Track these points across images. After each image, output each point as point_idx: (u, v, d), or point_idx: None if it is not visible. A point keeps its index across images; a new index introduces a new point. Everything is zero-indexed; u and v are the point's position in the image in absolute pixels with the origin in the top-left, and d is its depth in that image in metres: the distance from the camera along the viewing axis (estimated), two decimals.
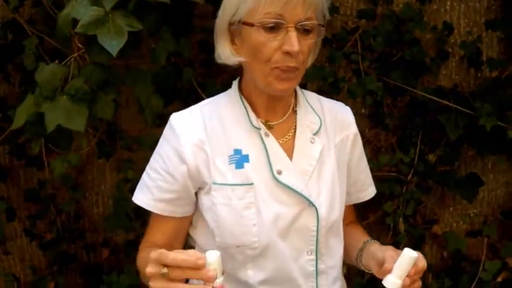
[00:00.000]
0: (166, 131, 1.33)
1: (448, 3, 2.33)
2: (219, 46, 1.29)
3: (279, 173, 1.29)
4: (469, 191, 2.35)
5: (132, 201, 1.37)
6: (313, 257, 1.34)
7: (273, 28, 1.18)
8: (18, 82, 2.21)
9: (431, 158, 2.34)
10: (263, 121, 1.33)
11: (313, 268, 1.34)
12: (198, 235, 1.39)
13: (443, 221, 2.49)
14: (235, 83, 1.37)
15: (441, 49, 2.32)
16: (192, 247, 1.42)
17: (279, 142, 1.32)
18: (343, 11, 2.34)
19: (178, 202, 1.32)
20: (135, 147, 2.23)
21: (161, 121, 1.81)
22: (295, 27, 1.18)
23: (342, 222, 1.41)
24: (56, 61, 1.64)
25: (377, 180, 2.35)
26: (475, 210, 2.49)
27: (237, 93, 1.34)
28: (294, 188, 1.29)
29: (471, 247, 2.49)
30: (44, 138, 2.10)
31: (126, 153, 2.31)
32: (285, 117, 1.35)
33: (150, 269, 1.04)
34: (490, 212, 2.49)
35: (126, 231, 2.25)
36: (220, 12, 1.28)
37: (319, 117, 1.39)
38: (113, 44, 1.40)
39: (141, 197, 1.35)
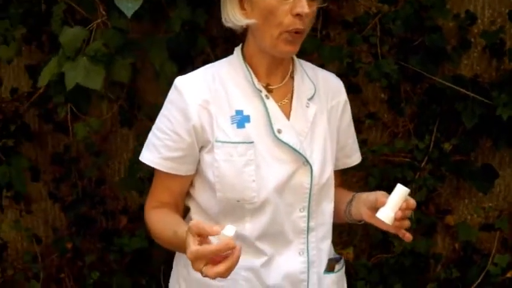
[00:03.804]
0: (172, 93, 1.42)
1: None
2: (228, 10, 1.38)
3: (279, 132, 1.38)
4: (484, 183, 2.34)
5: (146, 165, 1.44)
6: (304, 213, 1.43)
7: None
8: (48, 50, 2.31)
9: (446, 146, 2.34)
10: (264, 84, 1.42)
11: (305, 225, 1.43)
12: (198, 193, 1.46)
13: (458, 212, 2.48)
14: (237, 49, 1.47)
15: (463, 38, 2.31)
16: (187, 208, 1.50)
17: (278, 104, 1.41)
18: None
19: (183, 160, 1.40)
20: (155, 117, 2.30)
21: None
22: None
23: (333, 183, 1.49)
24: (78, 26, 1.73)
25: (390, 164, 2.40)
26: (490, 204, 2.47)
27: (240, 57, 1.44)
28: (293, 146, 1.38)
29: (484, 241, 2.47)
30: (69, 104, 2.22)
31: (149, 123, 2.39)
32: (283, 82, 1.45)
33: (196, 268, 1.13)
34: (505, 207, 2.47)
35: (139, 194, 2.33)
36: None
37: (314, 84, 1.49)
38: (129, 7, 1.48)
39: (149, 156, 1.43)
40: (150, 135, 1.44)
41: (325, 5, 1.42)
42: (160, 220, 1.41)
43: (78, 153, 2.57)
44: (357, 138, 2.43)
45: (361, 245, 2.53)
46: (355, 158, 1.65)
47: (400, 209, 1.29)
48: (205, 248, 1.11)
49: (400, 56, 2.32)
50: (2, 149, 2.31)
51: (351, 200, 1.49)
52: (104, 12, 1.79)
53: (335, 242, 2.48)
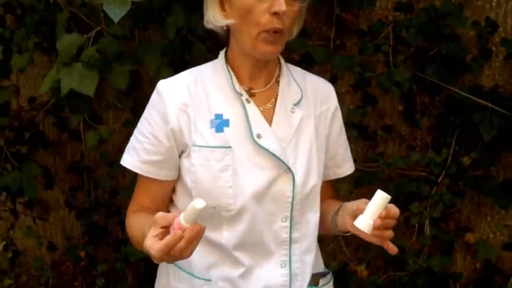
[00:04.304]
0: (153, 96, 1.40)
1: None
2: (209, 11, 1.36)
3: (259, 136, 1.33)
4: (506, 199, 2.22)
5: None
6: (287, 223, 1.36)
7: None
8: None
9: (466, 160, 2.23)
10: (246, 88, 1.38)
11: (287, 235, 1.37)
12: (178, 199, 1.43)
13: (479, 230, 2.36)
14: (222, 52, 1.43)
15: (483, 47, 2.21)
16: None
17: (259, 109, 1.37)
18: (384, 5, 2.31)
19: (163, 165, 1.37)
20: None
21: None
22: None
23: (319, 193, 1.43)
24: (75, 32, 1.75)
25: (407, 179, 2.31)
26: None
27: (223, 60, 1.41)
28: (273, 151, 1.33)
29: (507, 261, 2.34)
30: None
31: None
32: (268, 86, 1.41)
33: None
34: None
35: None
36: None
37: (301, 89, 1.44)
38: (116, 12, 1.48)
39: (129, 159, 1.41)
40: (132, 138, 1.43)
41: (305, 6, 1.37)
42: (136, 223, 1.38)
43: (95, 163, 2.60)
44: (374, 151, 2.38)
45: (377, 262, 2.44)
46: (346, 168, 1.56)
47: (379, 217, 1.21)
48: (154, 246, 1.11)
49: (416, 66, 2.24)
50: (15, 155, 2.36)
51: (338, 210, 1.41)
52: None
53: (349, 258, 2.43)
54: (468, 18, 2.19)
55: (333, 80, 2.32)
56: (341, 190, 2.28)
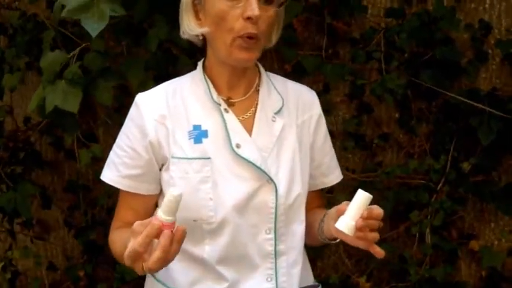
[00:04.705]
0: (131, 109, 1.38)
1: (487, 1, 2.18)
2: (184, 21, 1.35)
3: (238, 146, 1.31)
4: (508, 204, 2.16)
5: None
6: (271, 236, 1.33)
7: None
8: None
9: (465, 166, 2.18)
10: (224, 98, 1.36)
11: (272, 248, 1.33)
12: None
13: (483, 237, 2.29)
14: (199, 63, 1.42)
15: (479, 50, 2.17)
16: None
17: (239, 118, 1.34)
18: (376, 12, 2.27)
19: (143, 178, 1.35)
20: None
21: None
22: None
23: (303, 203, 1.39)
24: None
25: (406, 187, 2.26)
26: None
27: (201, 70, 1.39)
28: (253, 161, 1.30)
29: None
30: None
31: None
32: (247, 95, 1.38)
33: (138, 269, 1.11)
34: None
35: None
36: None
37: (282, 97, 1.41)
38: (94, 27, 1.47)
39: (108, 174, 1.39)
40: (111, 153, 1.40)
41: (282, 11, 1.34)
42: (119, 239, 1.34)
43: (92, 181, 2.59)
44: (372, 160, 2.33)
45: (381, 273, 2.38)
46: (333, 177, 1.52)
47: (361, 217, 1.17)
48: (134, 242, 1.06)
49: (411, 72, 2.20)
50: (10, 176, 2.35)
51: (323, 217, 1.37)
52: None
53: (351, 270, 2.38)
54: (461, 21, 2.14)
55: (326, 90, 2.29)
56: (340, 201, 2.23)
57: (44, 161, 2.55)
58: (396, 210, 2.25)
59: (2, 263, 2.46)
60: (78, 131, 2.26)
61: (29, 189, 2.25)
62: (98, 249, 2.52)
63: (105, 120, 2.14)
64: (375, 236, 1.20)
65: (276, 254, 1.34)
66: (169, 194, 1.05)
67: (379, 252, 1.22)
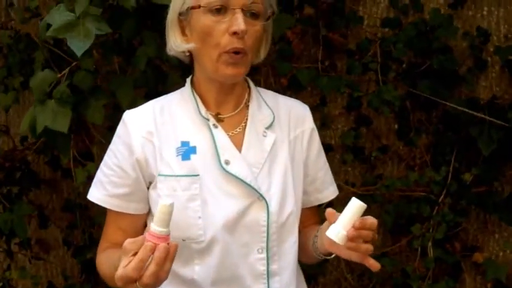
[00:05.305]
0: (119, 127, 1.36)
1: (485, 8, 2.14)
2: (170, 37, 1.33)
3: (227, 163, 1.28)
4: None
5: None
6: (263, 255, 1.29)
7: (220, 10, 1.22)
8: None
9: (467, 177, 2.13)
10: (213, 114, 1.33)
11: (264, 268, 1.29)
12: None
13: (488, 249, 2.24)
14: (188, 79, 1.40)
15: (477, 58, 2.13)
16: None
17: (228, 134, 1.32)
18: (372, 22, 2.24)
19: (131, 197, 1.32)
20: None
21: None
22: (242, 9, 1.22)
23: (297, 221, 1.35)
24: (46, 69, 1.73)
25: (406, 200, 2.22)
26: None
27: (189, 87, 1.37)
28: (243, 178, 1.26)
29: None
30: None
31: None
32: (237, 111, 1.36)
33: None
34: None
35: None
36: (170, 6, 1.32)
37: (272, 112, 1.38)
38: (80, 46, 1.46)
39: (95, 194, 1.37)
40: (98, 172, 1.38)
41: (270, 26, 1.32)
42: (107, 260, 1.31)
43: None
44: (372, 173, 2.29)
45: None
46: (328, 192, 1.47)
47: (353, 227, 1.12)
48: (126, 265, 1.04)
49: (409, 82, 2.16)
50: (6, 196, 2.33)
51: (317, 232, 1.33)
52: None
53: (354, 286, 2.33)
54: (459, 29, 2.11)
55: (323, 103, 2.26)
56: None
57: (42, 180, 2.53)
58: (397, 223, 2.20)
59: (1, 284, 2.44)
60: (71, 151, 2.24)
61: (26, 210, 2.23)
62: (95, 268, 2.48)
63: (99, 138, 2.12)
64: (368, 247, 1.15)
65: (269, 275, 1.30)
66: (161, 205, 1.04)
67: (373, 264, 1.18)
